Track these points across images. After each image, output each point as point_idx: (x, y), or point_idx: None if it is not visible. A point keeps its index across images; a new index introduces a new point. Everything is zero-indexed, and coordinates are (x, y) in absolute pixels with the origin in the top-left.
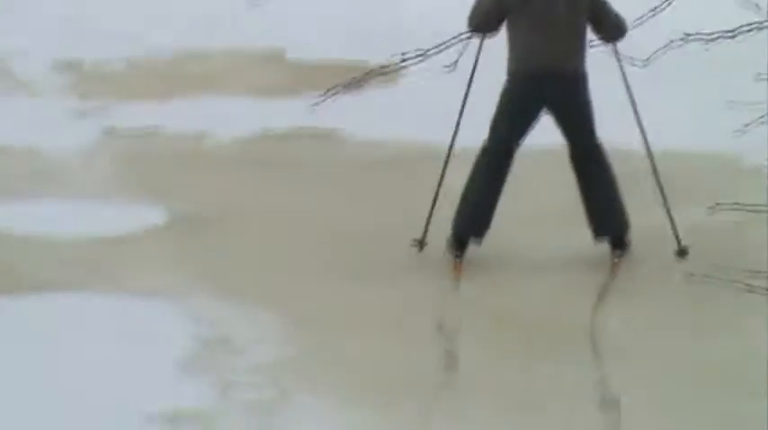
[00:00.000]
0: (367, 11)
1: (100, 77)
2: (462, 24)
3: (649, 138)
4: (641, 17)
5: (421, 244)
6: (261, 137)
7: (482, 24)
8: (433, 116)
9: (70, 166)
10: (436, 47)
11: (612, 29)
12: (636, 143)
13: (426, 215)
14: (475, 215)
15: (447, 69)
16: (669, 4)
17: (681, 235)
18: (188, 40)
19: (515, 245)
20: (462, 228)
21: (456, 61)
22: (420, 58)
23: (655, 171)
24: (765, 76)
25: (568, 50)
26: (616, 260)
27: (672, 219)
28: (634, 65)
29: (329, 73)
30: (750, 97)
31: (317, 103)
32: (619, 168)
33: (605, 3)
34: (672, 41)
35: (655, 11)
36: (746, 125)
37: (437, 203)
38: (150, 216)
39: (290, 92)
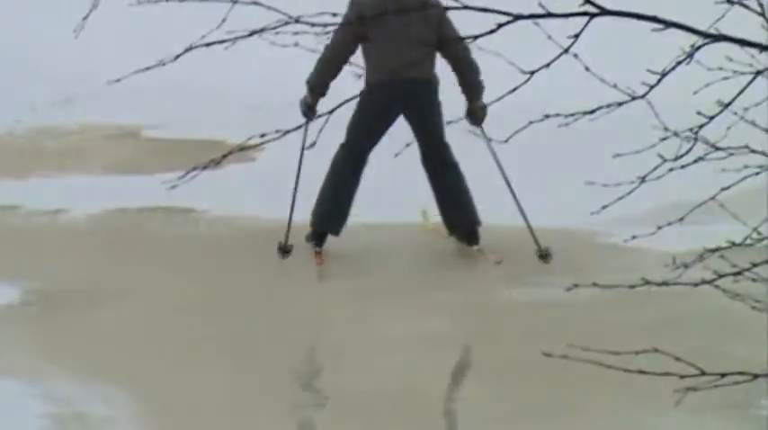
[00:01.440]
0: (222, 84)
1: None
2: None
3: (509, 215)
4: (501, 96)
5: (283, 249)
6: (116, 214)
7: (332, 66)
8: (289, 191)
9: None
10: (296, 127)
11: (456, 44)
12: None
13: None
14: (333, 210)
15: (307, 148)
16: (527, 81)
17: (538, 312)
18: (44, 115)
19: None
20: (321, 223)
21: (314, 142)
22: (279, 136)
23: (511, 189)
24: (622, 154)
25: (422, 60)
26: (477, 249)
27: (530, 227)
28: (492, 142)
29: (185, 149)
30: (608, 176)
31: (175, 185)
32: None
33: (451, 23)
34: (531, 122)
35: (514, 90)
36: (604, 207)
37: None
38: (3, 294)
39: (146, 169)
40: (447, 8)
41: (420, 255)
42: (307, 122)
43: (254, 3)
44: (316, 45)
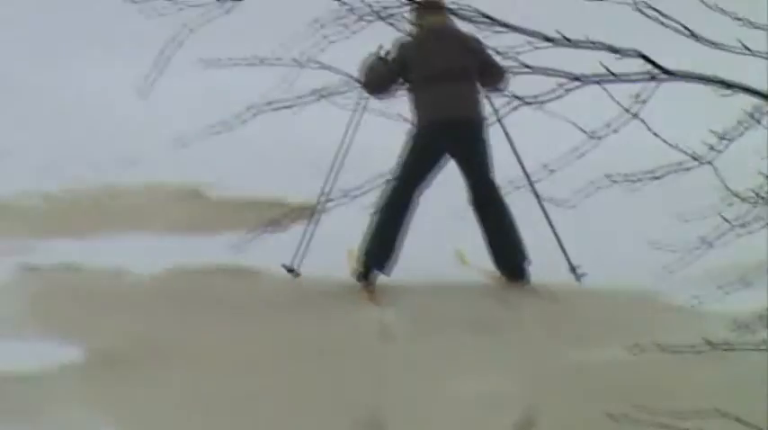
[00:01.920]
0: (286, 142)
1: (17, 213)
2: (377, 155)
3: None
4: (564, 157)
5: (292, 270)
6: (179, 274)
7: (379, 87)
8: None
9: None
10: (359, 188)
11: (496, 74)
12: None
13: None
14: (382, 249)
15: (370, 211)
16: (593, 145)
17: (600, 372)
18: (108, 174)
19: None
20: (370, 261)
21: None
22: (344, 200)
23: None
24: (688, 218)
25: (469, 98)
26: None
27: (561, 244)
28: (557, 205)
29: (248, 208)
30: (669, 234)
31: (238, 244)
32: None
33: (488, 52)
34: (594, 183)
35: (578, 152)
36: (669, 269)
37: None
38: (66, 353)
39: (209, 228)
40: (512, 72)
41: (480, 312)
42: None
43: (322, 67)
44: (379, 106)
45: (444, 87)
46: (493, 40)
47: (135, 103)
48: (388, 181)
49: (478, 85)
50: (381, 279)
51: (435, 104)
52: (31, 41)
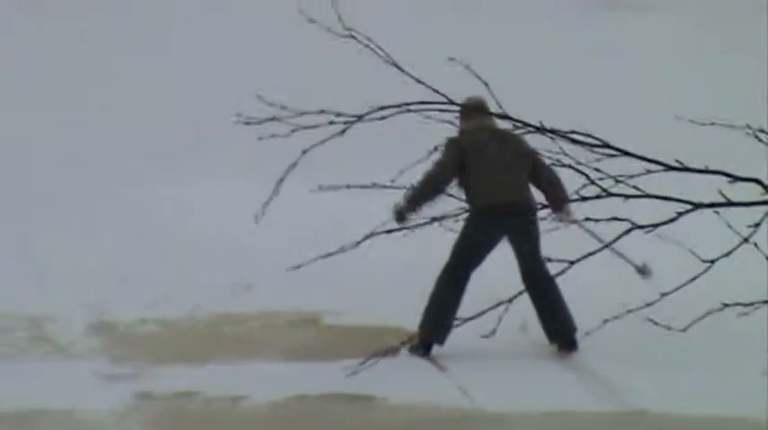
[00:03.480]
0: (401, 268)
1: (134, 339)
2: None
3: (685, 402)
4: (681, 285)
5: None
6: (297, 401)
7: (433, 188)
8: (467, 380)
9: None
10: (474, 316)
11: (552, 179)
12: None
13: None
14: (439, 325)
15: (485, 337)
16: (707, 269)
17: None
18: (224, 301)
19: None
20: (428, 335)
21: (494, 330)
22: (460, 324)
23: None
24: None
25: (520, 186)
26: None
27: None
28: (671, 331)
29: (365, 335)
30: None
31: (354, 372)
32: None
33: (538, 154)
34: (710, 312)
35: (694, 279)
36: None
37: None
38: None
39: (326, 356)
40: (629, 196)
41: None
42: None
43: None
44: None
45: (498, 176)
46: (606, 164)
47: (251, 228)
48: (446, 264)
49: (527, 177)
50: None
51: (491, 191)
52: (146, 163)
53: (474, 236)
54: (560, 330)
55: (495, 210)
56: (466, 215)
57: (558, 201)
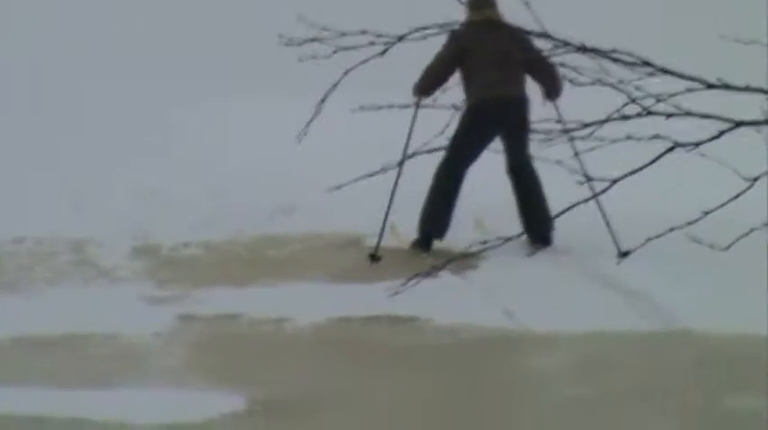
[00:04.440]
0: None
1: (177, 263)
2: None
3: (730, 321)
4: (724, 203)
5: (374, 257)
6: (340, 322)
7: (438, 79)
8: (514, 302)
9: (148, 353)
10: (518, 235)
11: (547, 69)
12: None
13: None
14: (438, 218)
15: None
16: (749, 187)
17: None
18: (266, 225)
19: None
20: (428, 230)
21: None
22: (501, 244)
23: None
24: None
25: (517, 80)
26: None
27: (611, 231)
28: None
29: (408, 257)
30: None
31: (396, 292)
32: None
33: (535, 46)
34: (753, 229)
35: (737, 196)
36: None
37: None
38: (228, 402)
39: (369, 277)
40: (667, 114)
41: (634, 361)
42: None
43: None
44: None
45: (496, 71)
46: (647, 83)
47: (292, 151)
48: (443, 159)
49: (524, 71)
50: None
51: (488, 86)
52: (187, 84)
53: (470, 130)
54: (538, 225)
55: (490, 105)
56: (463, 110)
57: (555, 91)
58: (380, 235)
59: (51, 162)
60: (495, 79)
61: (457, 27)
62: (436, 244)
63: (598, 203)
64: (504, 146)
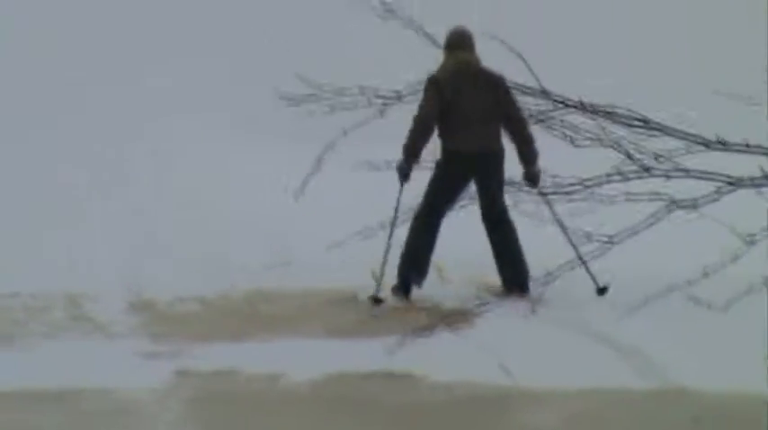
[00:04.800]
0: (438, 250)
1: (173, 318)
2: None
3: (725, 381)
4: (722, 264)
5: (376, 299)
6: (337, 378)
7: (424, 137)
8: (509, 358)
9: (144, 408)
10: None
11: (520, 127)
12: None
13: None
14: (416, 266)
15: (526, 315)
16: (747, 248)
17: None
18: (261, 279)
19: None
20: (407, 277)
21: (535, 307)
22: (498, 303)
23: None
24: None
25: (495, 134)
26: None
27: (587, 267)
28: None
29: (404, 314)
30: None
31: (393, 350)
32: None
33: (513, 99)
34: (751, 288)
35: (735, 258)
36: None
37: None
38: None
39: (366, 333)
40: (670, 175)
41: (628, 419)
42: (402, 185)
43: None
44: None
45: (474, 125)
46: (646, 142)
47: (290, 206)
48: (418, 209)
49: (500, 125)
50: None
51: (465, 140)
52: (184, 138)
53: (444, 180)
54: (514, 274)
55: (465, 157)
56: (436, 161)
57: (528, 154)
58: (380, 276)
59: (44, 217)
60: (472, 133)
61: (434, 73)
62: (437, 293)
63: (569, 239)
64: (478, 193)
